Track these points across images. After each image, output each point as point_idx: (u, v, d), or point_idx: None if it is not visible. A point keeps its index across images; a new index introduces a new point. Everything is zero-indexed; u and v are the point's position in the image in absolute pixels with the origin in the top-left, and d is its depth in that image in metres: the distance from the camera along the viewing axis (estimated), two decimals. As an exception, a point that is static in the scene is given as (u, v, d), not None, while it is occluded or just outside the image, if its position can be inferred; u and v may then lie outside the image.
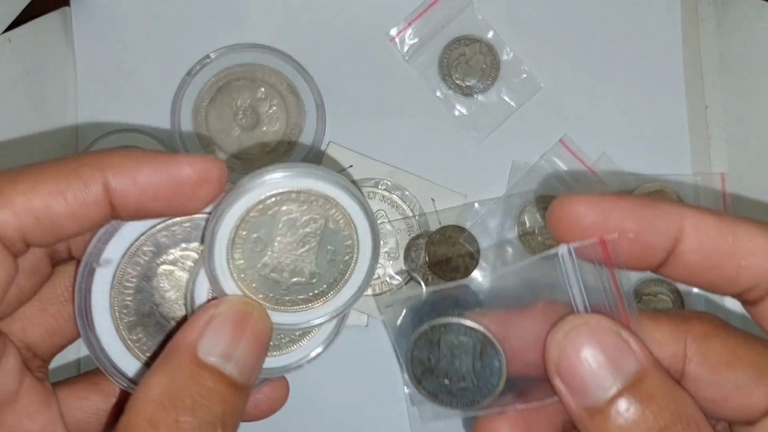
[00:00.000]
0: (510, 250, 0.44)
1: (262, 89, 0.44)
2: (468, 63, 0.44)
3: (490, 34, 0.45)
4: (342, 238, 0.24)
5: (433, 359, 0.24)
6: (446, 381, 0.24)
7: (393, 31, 0.45)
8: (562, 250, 0.22)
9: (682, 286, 0.43)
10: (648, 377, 0.22)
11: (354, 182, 0.44)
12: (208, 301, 0.24)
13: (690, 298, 0.43)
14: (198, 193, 0.22)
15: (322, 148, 0.44)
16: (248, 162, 0.43)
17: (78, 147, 0.44)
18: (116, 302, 0.24)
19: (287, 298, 0.24)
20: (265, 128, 0.44)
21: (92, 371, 0.26)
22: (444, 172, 0.44)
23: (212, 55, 0.44)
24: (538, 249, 0.44)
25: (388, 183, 0.44)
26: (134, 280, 0.24)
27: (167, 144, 0.43)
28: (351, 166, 0.44)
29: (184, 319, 0.24)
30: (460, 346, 0.24)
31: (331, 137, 0.44)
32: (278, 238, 0.24)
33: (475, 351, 0.24)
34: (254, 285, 0.24)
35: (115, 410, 0.26)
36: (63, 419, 0.25)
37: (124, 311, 0.24)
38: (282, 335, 0.25)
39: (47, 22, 0.43)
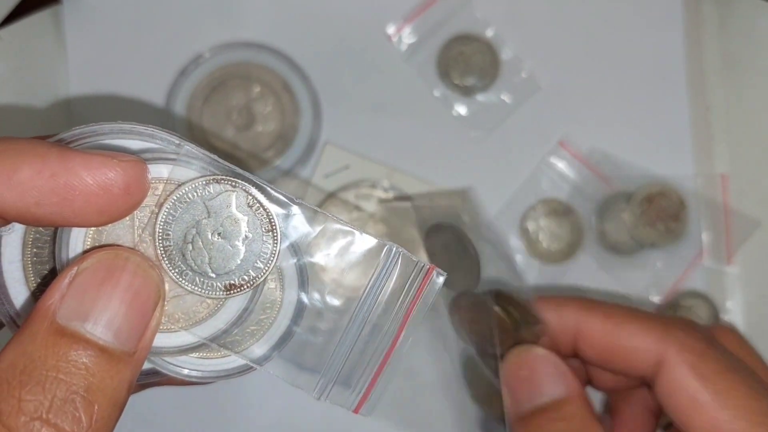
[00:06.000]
0: (517, 256, 0.44)
1: (257, 88, 0.43)
2: (467, 62, 0.44)
3: (490, 33, 0.44)
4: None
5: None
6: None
7: (390, 29, 0.44)
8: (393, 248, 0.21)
9: (717, 299, 0.43)
10: (568, 404, 0.26)
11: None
12: (83, 254, 0.20)
13: (725, 310, 0.43)
14: (96, 204, 0.19)
15: (318, 147, 0.43)
16: (243, 162, 0.43)
17: (70, 147, 0.43)
18: (29, 261, 0.21)
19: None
20: (260, 128, 0.43)
21: None
22: (442, 172, 0.43)
23: (207, 54, 0.43)
24: (543, 255, 0.43)
25: (386, 184, 0.43)
26: (47, 237, 0.21)
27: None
28: (348, 167, 0.43)
29: None
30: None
31: (328, 137, 0.44)
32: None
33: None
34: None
35: None
36: None
37: (40, 268, 0.21)
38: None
39: (39, 20, 0.42)
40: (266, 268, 0.20)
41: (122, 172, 0.19)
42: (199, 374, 0.22)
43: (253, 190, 0.20)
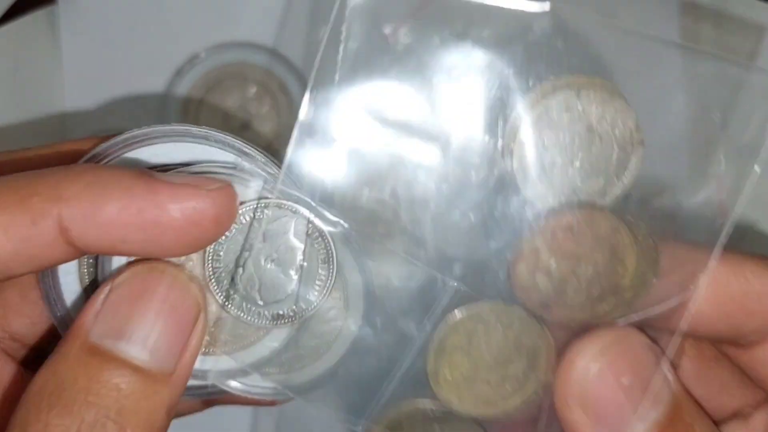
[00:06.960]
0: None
1: (253, 89, 0.43)
2: (463, 62, 0.44)
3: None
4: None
5: None
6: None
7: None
8: None
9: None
10: (683, 405, 0.18)
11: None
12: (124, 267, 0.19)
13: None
14: (184, 238, 0.17)
15: (315, 148, 0.43)
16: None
17: (65, 148, 0.43)
18: (87, 275, 0.20)
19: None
20: (256, 129, 0.43)
21: None
22: (439, 173, 0.43)
23: (202, 55, 0.43)
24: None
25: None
26: None
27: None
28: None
29: None
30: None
31: (324, 138, 0.44)
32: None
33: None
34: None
35: None
36: None
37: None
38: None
39: (34, 21, 0.42)
40: (318, 301, 0.19)
41: (212, 202, 0.17)
42: (263, 393, 0.20)
43: (314, 218, 0.19)
